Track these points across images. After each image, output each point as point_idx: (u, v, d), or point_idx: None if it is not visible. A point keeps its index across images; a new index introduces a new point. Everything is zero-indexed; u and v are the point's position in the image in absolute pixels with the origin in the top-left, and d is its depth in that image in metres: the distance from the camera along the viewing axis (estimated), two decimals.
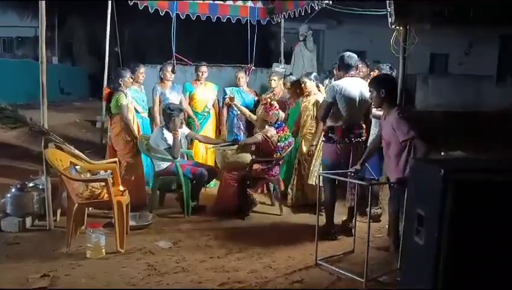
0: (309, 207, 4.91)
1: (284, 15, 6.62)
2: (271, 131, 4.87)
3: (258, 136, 4.88)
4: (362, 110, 4.24)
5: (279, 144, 4.88)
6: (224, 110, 6.16)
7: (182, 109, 5.14)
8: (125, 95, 4.90)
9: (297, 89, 5.46)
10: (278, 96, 5.83)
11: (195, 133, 5.57)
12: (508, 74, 14.92)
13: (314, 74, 5.32)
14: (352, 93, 4.10)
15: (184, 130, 5.14)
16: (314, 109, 5.03)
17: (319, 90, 5.20)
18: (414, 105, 13.26)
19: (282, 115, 5.09)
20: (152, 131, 5.69)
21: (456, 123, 9.97)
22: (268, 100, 5.11)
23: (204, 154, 5.99)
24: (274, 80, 5.92)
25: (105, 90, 5.13)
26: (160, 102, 5.70)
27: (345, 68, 4.23)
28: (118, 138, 4.93)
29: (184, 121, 5.59)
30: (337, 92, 4.09)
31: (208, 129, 6.05)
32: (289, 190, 5.20)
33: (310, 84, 5.12)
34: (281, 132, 4.94)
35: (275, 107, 4.96)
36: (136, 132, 5.10)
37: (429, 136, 3.43)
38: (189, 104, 5.97)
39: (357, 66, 4.42)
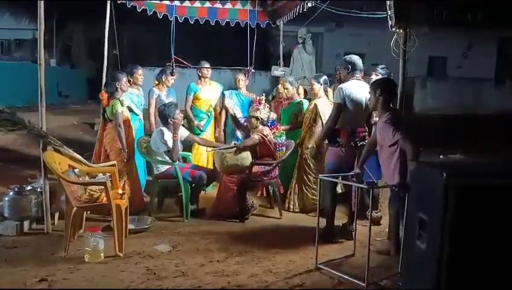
0: (307, 211, 4.89)
1: (284, 17, 6.59)
2: (266, 130, 4.90)
3: (255, 136, 4.88)
4: (366, 114, 4.25)
5: (276, 140, 4.91)
6: (223, 114, 6.15)
7: (177, 104, 5.11)
8: (121, 103, 4.84)
9: (294, 92, 5.54)
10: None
11: (194, 135, 5.55)
12: (507, 77, 14.97)
13: (324, 77, 5.27)
14: (358, 96, 4.10)
15: (183, 133, 5.12)
16: (314, 112, 5.02)
17: (327, 94, 5.17)
18: (413, 108, 13.28)
19: (273, 114, 5.14)
20: (144, 134, 5.67)
21: (455, 126, 9.98)
22: (258, 98, 5.18)
23: (205, 157, 5.96)
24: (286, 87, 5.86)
25: (104, 95, 5.10)
26: (156, 104, 5.67)
27: (352, 71, 4.22)
28: (111, 144, 4.87)
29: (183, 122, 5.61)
30: (346, 94, 4.07)
31: (208, 132, 6.05)
32: (288, 194, 5.18)
33: (316, 87, 5.10)
34: (274, 129, 5.03)
35: (264, 104, 5.00)
36: (134, 136, 5.06)
37: (416, 136, 3.44)
38: (194, 103, 5.96)
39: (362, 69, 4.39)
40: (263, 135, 4.86)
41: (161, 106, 5.11)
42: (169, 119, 4.82)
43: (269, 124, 5.00)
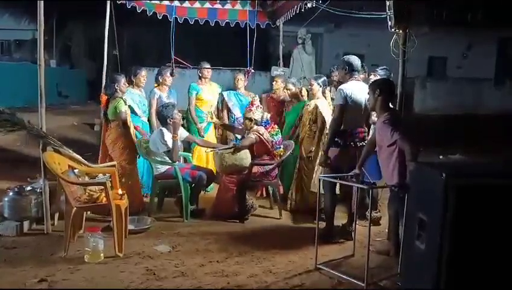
0: (309, 211, 4.89)
1: (283, 17, 6.59)
2: (261, 129, 4.92)
3: (252, 136, 4.89)
4: (366, 114, 4.26)
5: (272, 139, 4.93)
6: (225, 113, 6.16)
7: (175, 104, 5.10)
8: (124, 102, 4.85)
9: (297, 92, 5.54)
10: (279, 98, 5.92)
11: (193, 136, 5.55)
12: (507, 77, 14.96)
13: (324, 78, 5.27)
14: (358, 97, 4.09)
15: (182, 133, 5.12)
16: (315, 113, 5.02)
17: (324, 96, 5.18)
18: (413, 108, 13.29)
19: (266, 114, 5.17)
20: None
21: (455, 126, 9.98)
22: (251, 99, 5.29)
23: (205, 157, 5.95)
24: (276, 81, 5.96)
25: (103, 97, 5.10)
26: (157, 105, 5.67)
27: (351, 71, 4.21)
28: (114, 144, 4.87)
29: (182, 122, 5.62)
30: (347, 95, 4.07)
31: (210, 133, 6.06)
32: (289, 194, 5.19)
33: (316, 88, 5.09)
34: (270, 128, 5.05)
35: (257, 105, 5.04)
36: (133, 137, 5.07)
37: (416, 136, 3.44)
38: (195, 103, 5.97)
39: (361, 70, 4.38)
40: (259, 133, 4.88)
41: (159, 106, 5.13)
42: (168, 120, 4.83)
43: (263, 124, 5.01)
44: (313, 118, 5.04)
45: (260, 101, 5.36)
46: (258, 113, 4.99)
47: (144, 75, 5.61)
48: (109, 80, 5.09)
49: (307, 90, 5.87)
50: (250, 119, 4.97)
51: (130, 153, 4.87)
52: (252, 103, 5.10)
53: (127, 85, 5.19)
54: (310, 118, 5.06)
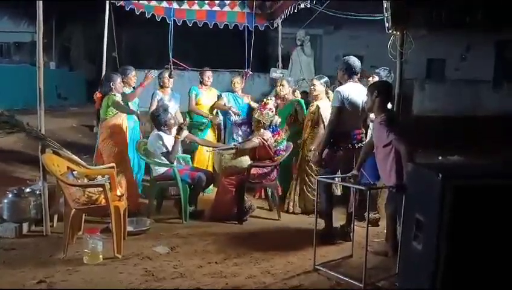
0: (307, 212, 4.91)
1: (280, 17, 6.60)
2: (267, 134, 4.89)
3: (255, 140, 4.88)
4: (363, 116, 4.27)
5: (276, 148, 4.90)
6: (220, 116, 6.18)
7: (167, 108, 5.09)
8: (115, 94, 4.86)
9: (288, 92, 5.58)
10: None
11: (193, 135, 5.55)
12: (505, 79, 15.00)
13: (326, 78, 5.22)
14: (355, 99, 4.11)
15: (182, 133, 5.12)
16: (316, 114, 5.02)
17: (327, 95, 5.14)
18: (411, 110, 13.31)
19: (277, 119, 5.08)
20: (140, 136, 5.67)
21: (453, 128, 10.00)
22: (264, 100, 5.14)
23: (207, 159, 5.96)
24: (283, 85, 5.93)
25: (97, 96, 5.09)
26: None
27: (350, 73, 4.23)
28: (104, 143, 4.88)
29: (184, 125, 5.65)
30: (344, 97, 4.08)
31: (209, 135, 6.06)
32: (287, 195, 5.19)
33: (319, 88, 5.07)
34: (277, 135, 4.98)
35: (270, 108, 4.98)
36: (126, 137, 5.07)
37: (415, 138, 3.45)
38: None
39: (360, 72, 4.40)
40: (263, 139, 4.85)
41: (153, 111, 5.13)
42: (162, 126, 4.83)
43: (271, 129, 4.95)
44: (315, 120, 5.04)
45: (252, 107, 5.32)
46: (267, 117, 4.92)
47: (134, 74, 5.60)
48: (105, 78, 5.09)
49: (306, 92, 5.89)
50: (259, 121, 4.95)
51: (118, 153, 4.84)
52: (264, 105, 5.00)
53: (123, 85, 5.20)
54: (312, 119, 5.06)
